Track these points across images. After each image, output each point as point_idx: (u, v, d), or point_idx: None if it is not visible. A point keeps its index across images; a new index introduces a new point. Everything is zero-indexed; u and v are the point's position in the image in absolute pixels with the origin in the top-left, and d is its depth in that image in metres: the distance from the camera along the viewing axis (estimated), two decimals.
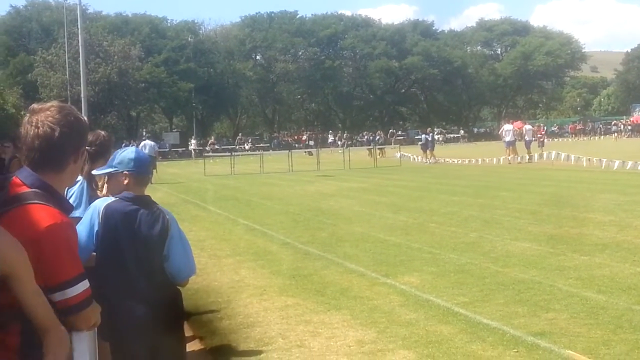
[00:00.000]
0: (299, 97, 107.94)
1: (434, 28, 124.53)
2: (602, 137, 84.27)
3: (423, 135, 46.52)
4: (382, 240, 12.53)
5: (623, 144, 35.24)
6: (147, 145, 33.10)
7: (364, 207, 18.36)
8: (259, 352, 6.69)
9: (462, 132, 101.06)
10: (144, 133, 76.59)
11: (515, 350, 6.29)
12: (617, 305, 7.48)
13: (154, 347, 4.35)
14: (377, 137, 65.55)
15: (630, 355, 5.99)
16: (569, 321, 7.04)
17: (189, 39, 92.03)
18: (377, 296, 8.45)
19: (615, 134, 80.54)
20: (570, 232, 12.45)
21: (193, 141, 73.47)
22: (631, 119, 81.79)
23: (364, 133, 78.73)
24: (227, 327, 7.58)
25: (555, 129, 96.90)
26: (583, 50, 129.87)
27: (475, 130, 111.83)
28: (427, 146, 44.19)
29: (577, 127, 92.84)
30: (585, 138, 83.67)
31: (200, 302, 8.57)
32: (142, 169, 4.52)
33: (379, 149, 49.41)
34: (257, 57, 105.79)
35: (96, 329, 3.08)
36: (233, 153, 47.67)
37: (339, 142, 63.63)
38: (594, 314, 7.22)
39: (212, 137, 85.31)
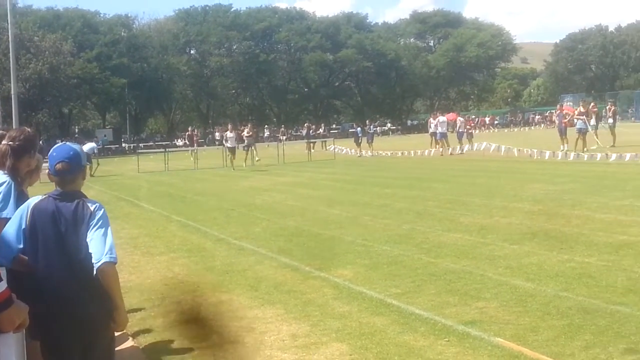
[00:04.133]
0: (233, 91, 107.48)
1: (368, 21, 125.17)
2: (532, 127, 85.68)
3: (358, 128, 46.73)
4: (316, 234, 12.60)
5: (554, 134, 35.84)
6: (88, 146, 32.98)
7: (298, 202, 18.40)
8: (192, 349, 6.68)
9: (388, 124, 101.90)
10: (76, 131, 75.46)
11: (447, 339, 6.39)
12: (544, 293, 7.64)
13: (86, 345, 4.32)
14: (319, 131, 65.45)
15: (557, 340, 6.12)
16: (498, 309, 7.17)
17: (122, 33, 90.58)
18: (310, 290, 8.50)
19: (545, 124, 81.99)
20: (500, 222, 12.67)
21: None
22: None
23: (306, 125, 78.91)
24: (161, 325, 7.55)
25: (488, 120, 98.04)
26: (514, 42, 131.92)
27: (409, 122, 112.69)
28: (369, 139, 44.46)
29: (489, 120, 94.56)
30: (516, 129, 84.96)
31: (134, 300, 8.51)
32: (73, 165, 4.47)
33: (312, 142, 49.42)
34: (192, 52, 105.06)
35: (24, 329, 3.04)
36: (167, 149, 47.30)
37: (283, 137, 63.30)
38: (523, 302, 7.37)
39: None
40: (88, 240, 4.28)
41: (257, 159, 35.60)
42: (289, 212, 16.12)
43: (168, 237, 13.61)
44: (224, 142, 38.62)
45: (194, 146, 48.59)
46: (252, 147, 36.37)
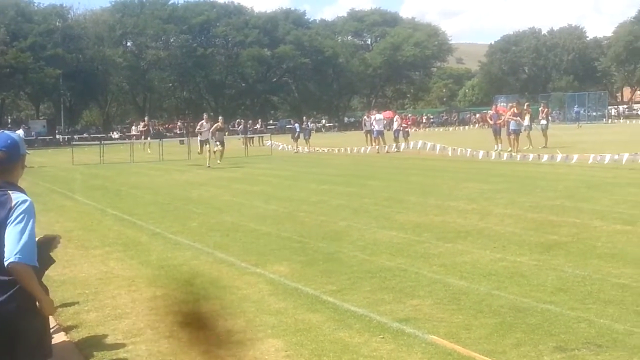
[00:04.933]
0: (170, 84, 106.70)
1: (306, 17, 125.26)
2: (467, 127, 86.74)
3: (296, 125, 46.76)
4: (252, 230, 12.58)
5: (488, 134, 36.35)
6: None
7: (235, 197, 18.37)
8: (127, 344, 6.62)
9: (323, 121, 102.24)
10: (9, 121, 74.04)
11: (382, 336, 6.45)
12: (477, 291, 7.76)
13: (8, 340, 4.24)
14: (256, 126, 65.21)
15: (489, 338, 6.22)
16: (432, 307, 7.26)
17: (57, 23, 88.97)
18: (246, 285, 8.50)
19: (479, 124, 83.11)
20: (434, 220, 12.82)
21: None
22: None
23: (237, 121, 78.41)
24: (95, 319, 7.47)
25: (424, 118, 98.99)
26: (449, 42, 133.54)
27: (346, 119, 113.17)
28: (306, 135, 44.52)
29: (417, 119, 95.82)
30: (451, 128, 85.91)
31: (67, 294, 8.42)
32: (11, 153, 4.40)
33: (249, 137, 49.33)
34: (128, 44, 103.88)
35: None
36: (102, 142, 46.73)
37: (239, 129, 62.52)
38: (456, 300, 7.47)
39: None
40: (5, 235, 4.17)
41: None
42: (226, 207, 16.08)
43: (103, 230, 13.46)
44: (197, 133, 34.00)
45: (147, 138, 46.92)
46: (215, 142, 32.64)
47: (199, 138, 32.88)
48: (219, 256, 10.27)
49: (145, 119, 47.24)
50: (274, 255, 10.16)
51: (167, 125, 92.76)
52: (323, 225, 12.76)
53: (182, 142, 39.50)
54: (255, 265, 9.55)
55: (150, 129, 50.69)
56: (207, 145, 31.78)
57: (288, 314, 7.25)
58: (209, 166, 30.08)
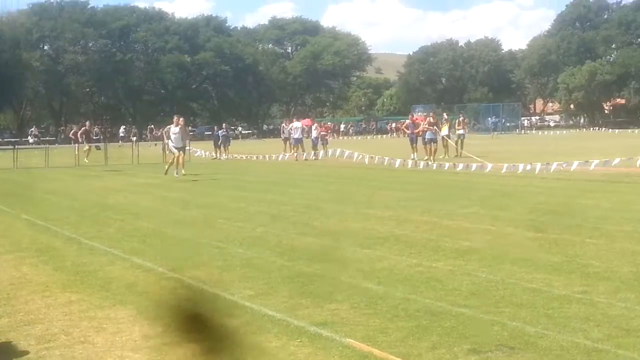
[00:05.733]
0: (88, 90, 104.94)
1: (227, 24, 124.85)
2: (385, 135, 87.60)
3: (219, 132, 46.57)
4: (170, 236, 12.50)
5: (406, 143, 36.75)
6: None
7: (153, 203, 18.22)
8: (40, 350, 6.50)
9: (240, 128, 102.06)
10: None
11: (299, 340, 6.47)
12: (394, 296, 7.84)
13: None
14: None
15: (405, 341, 6.30)
16: (349, 311, 7.31)
17: None
18: (163, 291, 8.44)
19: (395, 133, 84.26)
20: (352, 227, 12.92)
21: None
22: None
23: (149, 127, 77.78)
24: (7, 325, 7.31)
25: (343, 127, 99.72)
26: (369, 52, 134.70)
27: (265, 127, 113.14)
28: (226, 142, 44.35)
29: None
30: (369, 137, 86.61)
31: None
32: None
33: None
34: (45, 47, 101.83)
35: None
36: (16, 146, 45.69)
37: (133, 138, 61.79)
38: (374, 304, 7.54)
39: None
40: None
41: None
42: (143, 213, 15.92)
43: (15, 236, 13.17)
44: (165, 138, 29.57)
45: (90, 142, 43.37)
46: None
47: (170, 144, 27.49)
48: (136, 262, 10.16)
49: (87, 123, 44.40)
50: (191, 261, 10.11)
51: (68, 132, 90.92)
52: (241, 232, 12.74)
53: (98, 148, 38.84)
54: (173, 270, 9.47)
55: (92, 134, 47.75)
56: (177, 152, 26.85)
57: (206, 319, 7.22)
58: (177, 175, 26.31)
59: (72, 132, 48.19)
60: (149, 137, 69.32)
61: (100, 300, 8.07)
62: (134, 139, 61.63)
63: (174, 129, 27.04)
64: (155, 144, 52.87)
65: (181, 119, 27.79)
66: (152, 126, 79.24)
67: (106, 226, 13.98)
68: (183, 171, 26.64)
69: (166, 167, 27.96)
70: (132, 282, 8.96)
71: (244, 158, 40.42)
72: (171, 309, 7.63)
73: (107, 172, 30.86)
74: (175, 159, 26.77)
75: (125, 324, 7.13)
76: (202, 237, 12.16)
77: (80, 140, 39.91)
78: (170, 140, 27.37)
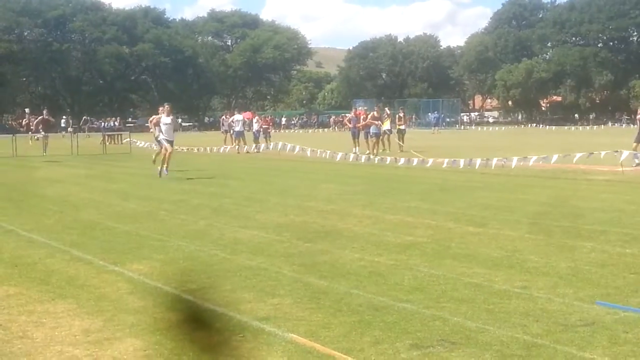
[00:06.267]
0: (24, 79, 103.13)
1: (166, 16, 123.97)
2: (326, 129, 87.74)
3: None
4: (111, 228, 12.34)
5: (347, 137, 36.91)
6: None
7: (93, 194, 17.98)
8: None
9: (180, 120, 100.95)
10: None
11: (241, 335, 6.42)
12: (337, 290, 7.84)
13: None
14: (112, 124, 63.78)
15: (348, 336, 6.30)
16: (292, 306, 7.29)
17: None
18: (104, 284, 8.31)
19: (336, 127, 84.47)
20: (295, 220, 12.92)
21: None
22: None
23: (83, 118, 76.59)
24: None
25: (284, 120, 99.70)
26: (309, 46, 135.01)
27: (206, 119, 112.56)
28: None
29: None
30: (311, 130, 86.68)
31: None
32: None
33: (110, 135, 48.34)
34: None
35: None
36: None
37: (70, 129, 60.72)
38: (316, 299, 7.53)
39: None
40: None
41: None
42: (83, 205, 15.72)
43: None
44: (154, 129, 25.17)
45: (46, 132, 41.12)
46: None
47: (159, 136, 24.12)
48: (76, 254, 10.01)
49: (44, 111, 42.09)
50: (133, 254, 9.99)
51: (19, 121, 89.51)
52: (183, 224, 12.66)
53: (37, 139, 38.18)
54: (114, 263, 9.36)
55: (50, 121, 45.23)
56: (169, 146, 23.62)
57: (147, 313, 7.13)
58: (163, 173, 23.00)
59: (25, 122, 46.73)
60: (85, 129, 68.20)
61: (39, 294, 7.93)
62: (70, 130, 60.64)
63: (165, 119, 23.69)
64: (89, 136, 52.20)
65: (166, 105, 24.58)
66: (87, 117, 78.09)
67: (45, 218, 13.76)
68: (165, 168, 23.05)
69: (153, 156, 26.16)
70: (73, 275, 8.82)
71: (185, 150, 40.11)
72: (112, 302, 7.54)
73: (47, 163, 30.36)
74: (167, 153, 23.22)
75: (65, 319, 7.01)
76: (143, 230, 12.05)
77: (36, 129, 38.72)
78: (160, 132, 23.88)
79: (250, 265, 9.18)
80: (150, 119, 26.79)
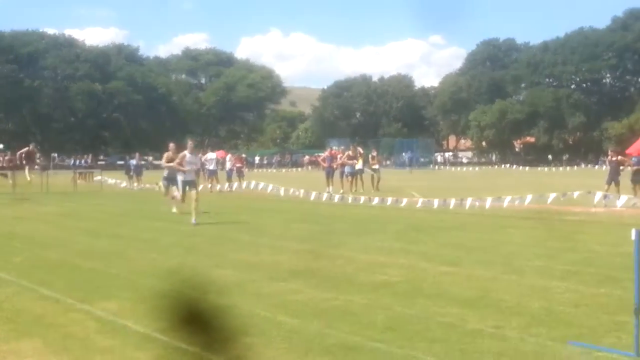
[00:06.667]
0: None
1: (139, 54, 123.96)
2: (299, 169, 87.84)
3: (131, 161, 45.89)
4: (79, 266, 12.17)
5: (321, 176, 36.93)
6: None
7: (62, 232, 17.81)
8: None
9: (150, 158, 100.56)
10: None
11: None
12: (309, 329, 7.75)
13: None
14: (83, 161, 63.59)
15: None
16: (264, 346, 7.17)
17: None
18: (72, 323, 8.17)
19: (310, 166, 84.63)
20: (267, 260, 12.81)
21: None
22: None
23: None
24: None
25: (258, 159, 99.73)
26: (283, 85, 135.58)
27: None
28: (138, 171, 43.76)
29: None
30: (284, 169, 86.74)
31: None
32: None
33: (80, 172, 48.03)
34: None
35: None
36: None
37: (37, 167, 59.89)
38: (289, 338, 7.43)
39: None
40: None
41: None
42: (52, 243, 15.52)
43: None
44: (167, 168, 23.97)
45: (32, 166, 39.77)
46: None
47: (178, 178, 21.06)
48: (44, 293, 9.84)
49: (31, 145, 40.52)
50: (101, 292, 9.84)
51: None
52: (154, 263, 12.53)
53: (5, 176, 37.86)
54: (82, 302, 9.20)
55: (35, 156, 44.24)
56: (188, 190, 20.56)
57: (116, 352, 7.01)
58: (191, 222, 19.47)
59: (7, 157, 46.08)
60: (50, 165, 67.72)
61: (5, 333, 7.78)
62: (37, 168, 60.05)
63: (190, 157, 20.46)
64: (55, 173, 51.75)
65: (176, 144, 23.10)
66: (55, 155, 77.67)
67: (13, 256, 13.55)
68: (193, 217, 19.53)
69: (171, 198, 23.07)
70: (40, 313, 8.67)
71: (156, 188, 39.90)
72: (79, 341, 7.40)
73: (15, 200, 30.03)
74: (193, 203, 19.83)
75: (31, 357, 6.88)
76: (112, 268, 11.89)
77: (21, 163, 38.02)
78: (178, 173, 20.86)
79: (222, 304, 9.06)
80: (165, 155, 25.25)
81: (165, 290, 9.98)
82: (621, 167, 26.50)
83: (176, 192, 22.59)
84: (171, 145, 24.60)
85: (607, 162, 27.20)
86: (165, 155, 24.70)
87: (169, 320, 8.24)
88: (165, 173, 24.77)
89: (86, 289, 10.06)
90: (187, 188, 20.45)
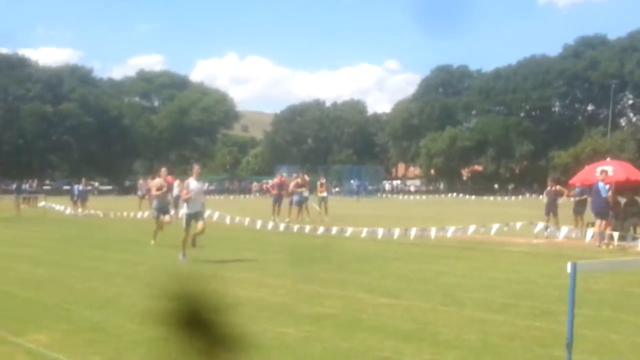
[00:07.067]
0: None
1: (93, 75, 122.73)
2: (248, 195, 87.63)
3: (76, 186, 45.34)
4: (13, 295, 11.96)
5: (268, 203, 36.86)
6: None
7: (0, 260, 17.48)
8: None
9: (96, 183, 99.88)
10: None
11: None
12: None
13: None
14: (27, 186, 62.50)
15: None
16: None
17: None
18: (1, 356, 8.02)
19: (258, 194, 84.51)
20: (207, 289, 12.70)
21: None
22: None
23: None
24: None
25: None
26: (236, 109, 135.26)
27: (127, 182, 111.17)
28: (84, 197, 43.23)
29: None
30: (232, 196, 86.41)
31: None
32: None
33: (24, 197, 47.33)
34: None
35: None
36: None
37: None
38: None
39: None
40: None
41: None
42: None
43: None
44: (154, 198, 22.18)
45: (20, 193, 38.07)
46: None
47: (184, 210, 18.20)
48: None
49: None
50: (34, 323, 9.67)
51: None
52: (92, 292, 12.36)
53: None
54: (13, 333, 9.02)
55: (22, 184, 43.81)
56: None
57: None
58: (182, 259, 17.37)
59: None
60: None
61: None
62: None
63: (194, 184, 17.67)
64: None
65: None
66: None
67: None
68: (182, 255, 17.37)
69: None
70: None
71: (101, 215, 39.49)
72: None
73: None
74: (196, 233, 17.86)
75: None
76: (48, 297, 11.72)
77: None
78: (183, 202, 18.66)
79: (159, 336, 8.97)
80: (153, 182, 22.87)
81: (101, 321, 9.86)
82: (560, 198, 26.83)
83: (167, 217, 21.68)
84: (162, 170, 22.66)
85: (545, 193, 27.46)
86: (155, 182, 22.31)
87: (101, 354, 8.13)
88: (154, 203, 22.21)
89: (18, 320, 9.88)
90: (193, 221, 17.68)
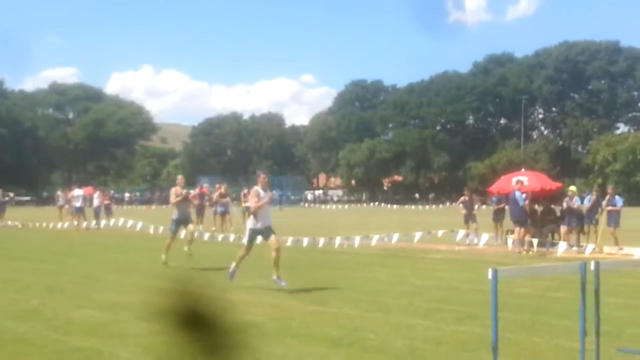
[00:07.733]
0: None
1: (4, 87, 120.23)
2: (169, 205, 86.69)
3: None
4: None
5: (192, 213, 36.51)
6: None
7: None
8: None
9: (11, 194, 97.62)
10: None
11: None
12: None
13: None
14: None
15: None
16: None
17: None
18: None
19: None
20: (133, 299, 12.57)
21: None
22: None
23: None
24: None
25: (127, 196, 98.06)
26: (154, 121, 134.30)
27: (45, 194, 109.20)
28: (1, 208, 42.39)
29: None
30: (154, 206, 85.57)
31: None
32: None
33: None
34: None
35: None
36: None
37: None
38: None
39: None
40: None
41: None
42: None
43: None
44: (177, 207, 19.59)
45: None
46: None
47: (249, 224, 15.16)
48: None
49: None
50: None
51: None
52: (13, 304, 12.10)
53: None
54: None
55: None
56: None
57: None
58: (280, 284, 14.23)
59: None
60: None
61: None
62: None
63: (263, 193, 14.98)
64: None
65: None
66: None
67: None
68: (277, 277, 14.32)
69: (186, 249, 19.45)
70: None
71: (20, 226, 38.67)
72: None
73: None
74: (274, 253, 14.50)
75: None
76: None
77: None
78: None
79: (84, 346, 8.85)
80: (172, 190, 19.75)
81: (25, 333, 9.67)
82: (476, 206, 27.38)
83: (191, 226, 19.97)
84: (179, 178, 20.36)
85: (460, 203, 27.84)
86: (173, 190, 19.62)
87: None
88: (175, 214, 19.46)
89: None
90: (262, 237, 15.02)
